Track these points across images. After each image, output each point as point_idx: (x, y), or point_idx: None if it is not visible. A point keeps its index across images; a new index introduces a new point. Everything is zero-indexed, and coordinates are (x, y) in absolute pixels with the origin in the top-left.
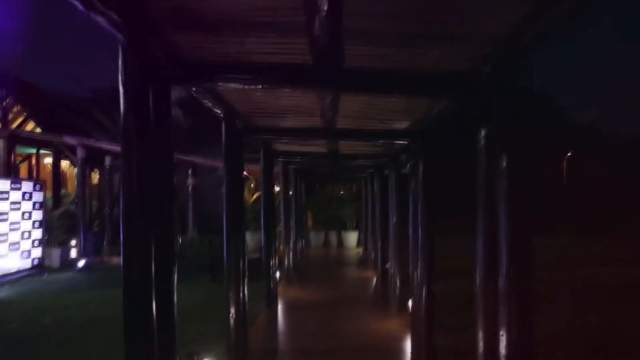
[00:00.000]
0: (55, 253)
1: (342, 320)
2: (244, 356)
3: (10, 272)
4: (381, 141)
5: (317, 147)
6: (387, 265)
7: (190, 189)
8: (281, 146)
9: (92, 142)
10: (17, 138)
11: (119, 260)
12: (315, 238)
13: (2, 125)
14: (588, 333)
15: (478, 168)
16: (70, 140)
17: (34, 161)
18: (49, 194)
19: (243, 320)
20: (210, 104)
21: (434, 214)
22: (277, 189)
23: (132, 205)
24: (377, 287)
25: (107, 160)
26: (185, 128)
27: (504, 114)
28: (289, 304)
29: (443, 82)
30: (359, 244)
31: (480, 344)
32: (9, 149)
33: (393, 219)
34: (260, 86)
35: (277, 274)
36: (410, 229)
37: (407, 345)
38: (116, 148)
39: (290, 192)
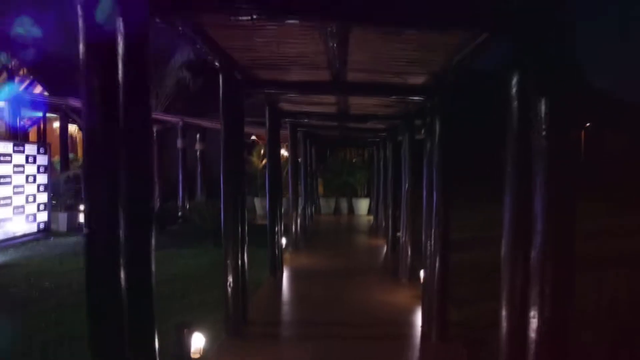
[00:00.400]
0: (62, 217)
1: (350, 290)
2: (242, 328)
3: (15, 235)
4: (394, 97)
5: (326, 106)
6: (398, 234)
7: (198, 154)
8: (287, 105)
9: None
10: (22, 101)
11: None
12: (326, 205)
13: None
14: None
15: (508, 120)
16: (75, 102)
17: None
18: (58, 158)
19: (242, 289)
20: (203, 50)
21: (450, 178)
22: (286, 154)
23: (94, 165)
24: (387, 256)
25: None
26: (194, 91)
27: (545, 53)
28: (295, 273)
29: (471, 10)
30: (369, 211)
31: (504, 325)
32: (15, 112)
33: (405, 186)
34: (249, 17)
35: (284, 241)
36: (424, 195)
37: (418, 317)
38: None
39: (300, 159)
